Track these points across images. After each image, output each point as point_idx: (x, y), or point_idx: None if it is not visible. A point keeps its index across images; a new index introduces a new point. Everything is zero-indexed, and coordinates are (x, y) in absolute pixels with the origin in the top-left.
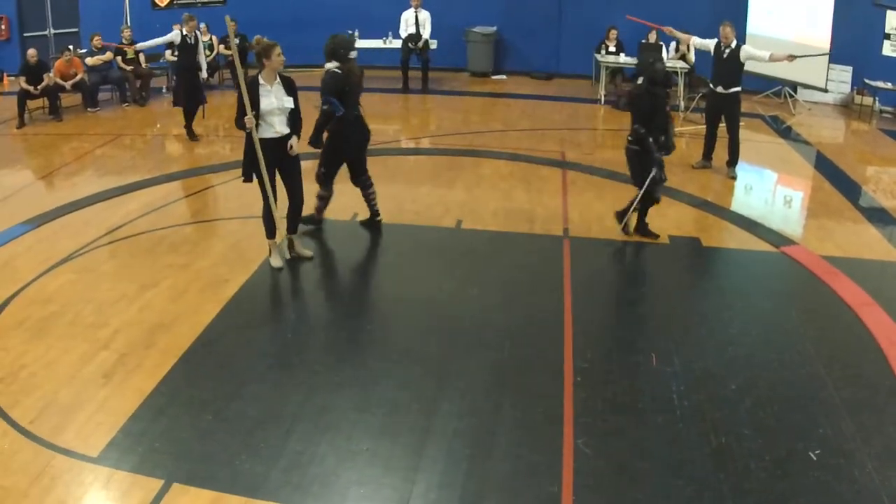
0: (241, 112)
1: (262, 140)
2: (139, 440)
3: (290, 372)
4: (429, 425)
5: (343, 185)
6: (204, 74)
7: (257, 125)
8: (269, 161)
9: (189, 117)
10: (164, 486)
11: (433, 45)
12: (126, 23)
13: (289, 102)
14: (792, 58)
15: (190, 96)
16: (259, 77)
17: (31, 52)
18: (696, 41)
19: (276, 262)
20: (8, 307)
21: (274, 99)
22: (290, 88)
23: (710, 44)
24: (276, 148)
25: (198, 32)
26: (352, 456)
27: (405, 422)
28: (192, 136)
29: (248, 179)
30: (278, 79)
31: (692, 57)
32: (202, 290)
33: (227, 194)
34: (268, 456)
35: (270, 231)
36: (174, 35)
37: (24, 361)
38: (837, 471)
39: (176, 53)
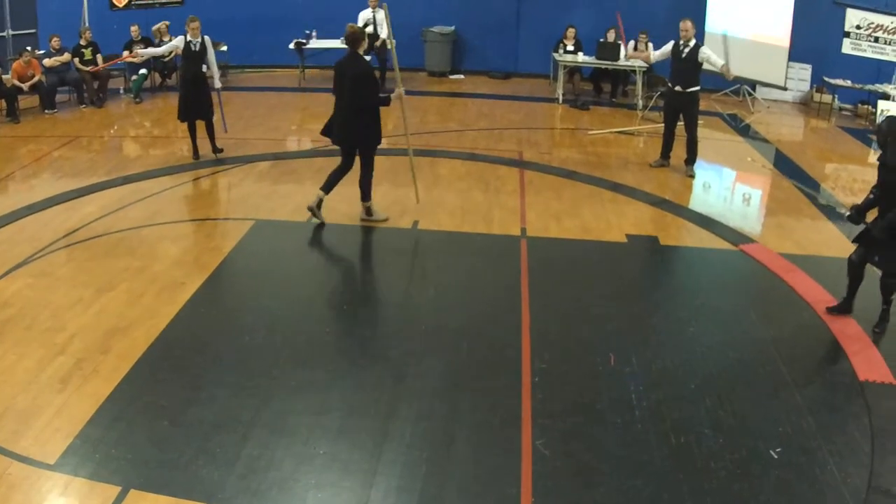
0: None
1: None
2: (96, 446)
3: (247, 376)
4: (386, 428)
5: (298, 186)
6: (217, 84)
7: None
8: None
9: (193, 133)
10: (121, 492)
11: (390, 44)
12: (85, 24)
13: None
14: (734, 77)
15: (195, 110)
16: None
17: None
18: (654, 55)
19: (382, 215)
20: None
21: None
22: None
23: (668, 47)
24: None
25: (206, 38)
26: (309, 460)
27: (363, 425)
28: (195, 154)
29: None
30: None
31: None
32: (158, 293)
33: (183, 196)
34: (225, 461)
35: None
36: (178, 41)
37: None
38: (798, 469)
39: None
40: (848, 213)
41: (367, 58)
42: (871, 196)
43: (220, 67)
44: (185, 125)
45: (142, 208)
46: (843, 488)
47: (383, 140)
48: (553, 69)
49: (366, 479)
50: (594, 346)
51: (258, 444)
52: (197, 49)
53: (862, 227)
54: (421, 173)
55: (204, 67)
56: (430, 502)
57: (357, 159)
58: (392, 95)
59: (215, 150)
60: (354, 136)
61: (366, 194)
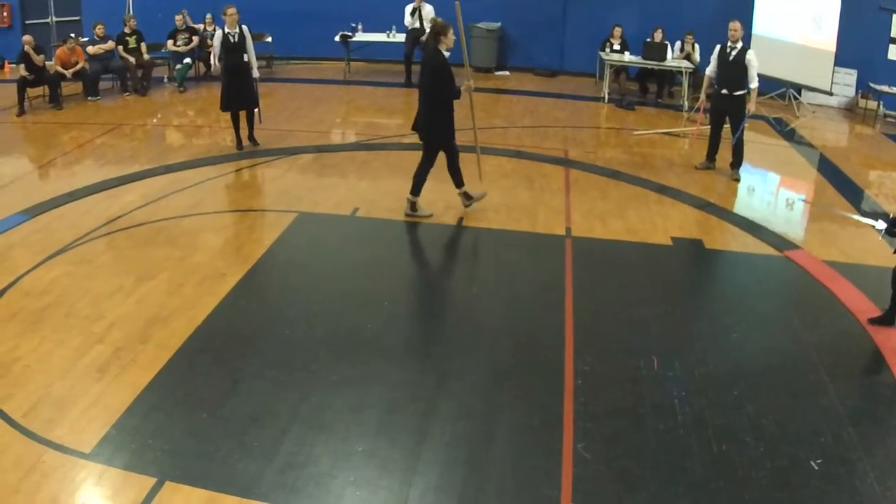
0: (453, 84)
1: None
2: (132, 437)
3: (287, 370)
4: (426, 427)
5: (342, 179)
6: (255, 73)
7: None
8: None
9: (237, 124)
10: (156, 483)
11: None
12: (129, 11)
13: None
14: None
15: (237, 100)
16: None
17: (27, 38)
18: (710, 69)
19: (426, 211)
20: (2, 298)
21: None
22: None
23: (714, 55)
24: None
25: (243, 27)
26: (347, 457)
27: (402, 423)
28: (239, 144)
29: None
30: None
31: (697, 56)
32: (199, 283)
33: (226, 187)
34: (262, 455)
35: (420, 189)
36: (218, 36)
37: (18, 354)
38: (839, 480)
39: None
40: (885, 227)
41: (447, 54)
42: None
43: (264, 58)
44: (227, 115)
45: (184, 198)
46: (882, 501)
47: None
48: (599, 68)
49: (404, 478)
50: (637, 350)
51: (296, 439)
52: (236, 40)
53: None
54: (466, 169)
55: (244, 57)
56: (468, 503)
57: (441, 153)
58: (462, 88)
59: (252, 138)
60: (428, 128)
61: (416, 188)
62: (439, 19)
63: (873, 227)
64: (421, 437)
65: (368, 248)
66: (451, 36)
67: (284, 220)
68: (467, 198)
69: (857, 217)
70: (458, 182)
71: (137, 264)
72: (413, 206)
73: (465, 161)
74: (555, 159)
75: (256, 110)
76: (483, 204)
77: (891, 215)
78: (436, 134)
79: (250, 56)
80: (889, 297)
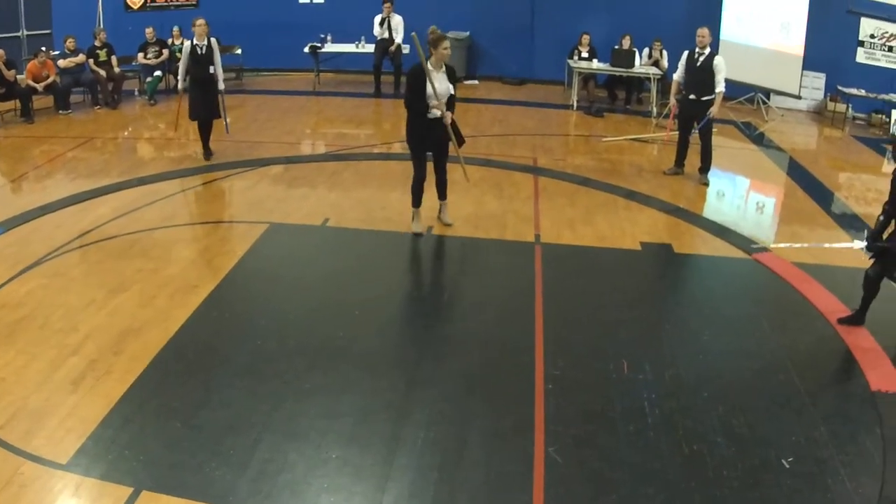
0: (417, 96)
1: (429, 120)
2: (108, 447)
3: (260, 379)
4: (399, 433)
5: (312, 190)
6: (221, 86)
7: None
8: (432, 138)
9: (204, 133)
10: (133, 493)
11: (406, 49)
12: (99, 25)
13: (450, 88)
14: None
15: (203, 111)
16: (428, 64)
17: None
18: (678, 76)
19: (418, 228)
20: None
21: (439, 84)
22: (453, 76)
23: (682, 61)
24: (437, 127)
25: (212, 40)
26: (321, 464)
27: (375, 430)
28: (207, 153)
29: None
30: (444, 67)
31: (665, 63)
32: (172, 295)
33: (197, 199)
34: (237, 463)
35: (418, 200)
36: (186, 47)
37: None
38: (811, 479)
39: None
40: (866, 244)
41: (431, 68)
42: (882, 217)
43: (234, 70)
44: (196, 126)
45: (155, 210)
46: (854, 498)
47: (396, 144)
48: (567, 76)
49: (378, 484)
50: (607, 354)
51: (270, 447)
52: (203, 52)
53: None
54: (453, 174)
55: (210, 69)
56: None
57: (430, 165)
58: (431, 104)
59: (207, 147)
60: (406, 133)
61: (413, 200)
62: (438, 31)
63: (854, 248)
64: (394, 444)
65: (339, 257)
66: (441, 49)
67: (255, 231)
68: (439, 213)
69: (834, 245)
70: (440, 195)
71: (110, 277)
72: (413, 214)
73: (451, 168)
74: (524, 167)
75: (225, 123)
76: (453, 213)
77: (866, 231)
78: (407, 139)
79: (217, 68)
80: (860, 298)
